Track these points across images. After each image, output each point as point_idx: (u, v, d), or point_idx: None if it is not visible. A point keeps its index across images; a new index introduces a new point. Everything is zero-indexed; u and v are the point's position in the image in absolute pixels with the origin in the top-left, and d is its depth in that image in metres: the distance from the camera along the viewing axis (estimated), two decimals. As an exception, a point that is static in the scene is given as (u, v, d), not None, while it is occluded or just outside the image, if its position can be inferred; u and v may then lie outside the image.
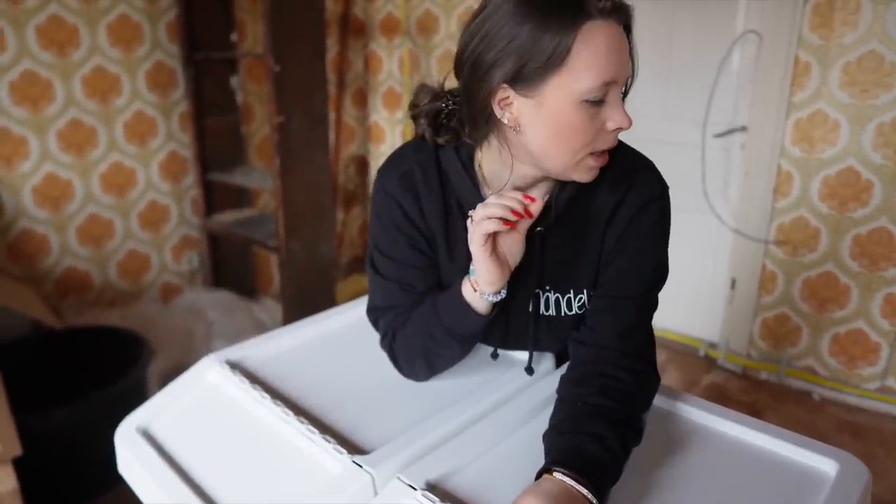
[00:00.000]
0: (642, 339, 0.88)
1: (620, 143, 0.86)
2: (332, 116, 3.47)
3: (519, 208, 0.76)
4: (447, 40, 3.28)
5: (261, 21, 2.93)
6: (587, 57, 0.72)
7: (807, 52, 2.34)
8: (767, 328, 2.66)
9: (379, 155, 3.80)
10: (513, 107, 0.78)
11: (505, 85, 0.76)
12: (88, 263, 2.73)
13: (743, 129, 2.60)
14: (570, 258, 0.90)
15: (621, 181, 0.87)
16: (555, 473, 0.69)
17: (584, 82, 0.73)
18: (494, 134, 0.84)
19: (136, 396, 1.98)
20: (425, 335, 0.89)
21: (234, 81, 3.01)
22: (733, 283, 2.72)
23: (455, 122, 0.87)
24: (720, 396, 2.56)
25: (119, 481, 0.93)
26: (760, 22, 2.46)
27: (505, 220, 0.76)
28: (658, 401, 0.89)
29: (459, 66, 0.81)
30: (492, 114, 0.80)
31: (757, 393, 2.59)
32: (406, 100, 3.55)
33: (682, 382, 2.66)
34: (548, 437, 0.77)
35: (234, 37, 2.96)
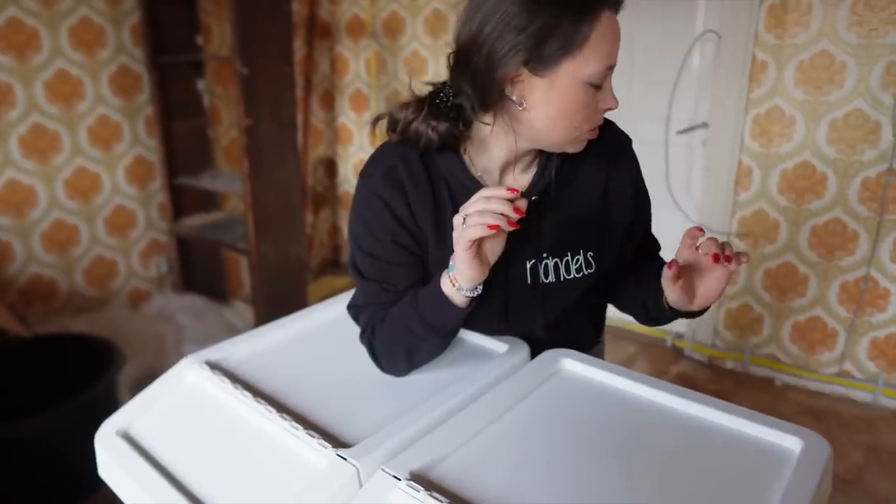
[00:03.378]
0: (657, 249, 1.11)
1: None
2: (299, 119, 3.46)
3: (509, 212, 0.77)
4: (413, 41, 3.30)
5: (226, 23, 2.91)
6: (601, 44, 0.80)
7: (763, 50, 2.42)
8: (731, 318, 2.74)
9: (347, 156, 3.80)
10: (523, 85, 0.83)
11: (521, 67, 0.81)
12: (54, 270, 2.68)
13: (704, 125, 2.68)
14: (566, 224, 0.96)
15: (602, 152, 0.97)
16: None
17: (593, 67, 0.81)
18: (498, 118, 0.88)
19: (108, 403, 1.96)
20: (405, 329, 0.91)
21: (201, 85, 2.98)
22: (698, 276, 2.79)
23: (450, 110, 0.89)
24: (688, 386, 2.60)
25: (97, 488, 0.93)
26: (719, 22, 2.53)
27: (491, 225, 0.77)
28: (629, 386, 0.92)
29: (471, 50, 0.83)
30: (502, 92, 0.84)
31: (723, 381, 2.67)
32: (374, 101, 3.56)
33: (651, 373, 2.71)
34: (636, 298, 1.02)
35: (199, 39, 2.94)
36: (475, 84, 0.85)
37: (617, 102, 0.87)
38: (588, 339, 1.12)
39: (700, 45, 2.63)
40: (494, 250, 0.84)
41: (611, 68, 0.83)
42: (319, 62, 3.62)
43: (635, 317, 1.08)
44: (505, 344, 1.03)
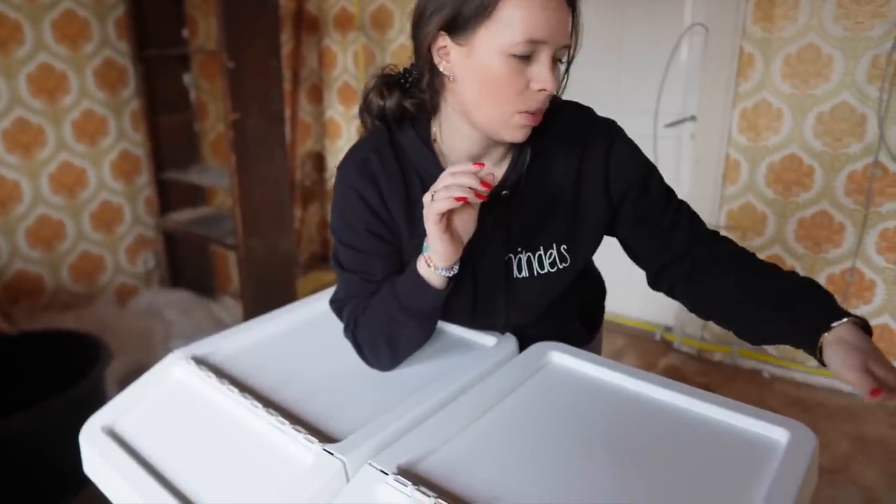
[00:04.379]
0: (698, 224, 0.99)
1: (565, 102, 0.95)
2: (287, 113, 3.45)
3: (475, 184, 0.77)
4: (402, 35, 3.29)
5: (213, 17, 2.89)
6: (513, 11, 0.77)
7: (750, 44, 2.42)
8: (719, 311, 2.75)
9: (336, 150, 3.78)
10: (450, 55, 0.84)
11: (443, 33, 0.82)
12: (40, 266, 2.66)
13: (692, 118, 2.69)
14: (538, 218, 0.95)
15: (573, 141, 0.94)
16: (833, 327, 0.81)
17: (508, 35, 0.78)
18: (443, 97, 0.89)
19: (96, 399, 1.94)
20: (385, 317, 0.91)
21: (187, 78, 2.96)
22: (686, 269, 2.81)
23: (415, 89, 0.92)
24: (677, 378, 2.62)
25: (84, 486, 0.92)
26: (707, 15, 2.54)
27: (458, 197, 0.78)
28: (618, 379, 0.92)
29: (413, 22, 0.87)
30: (434, 65, 0.85)
31: (711, 373, 2.69)
32: (362, 95, 3.54)
33: (640, 366, 2.72)
34: (767, 320, 0.89)
35: (185, 33, 2.91)
36: (415, 55, 0.88)
37: (553, 84, 0.81)
38: (577, 339, 1.09)
39: (688, 38, 2.63)
40: (466, 226, 0.84)
41: (537, 42, 0.79)
42: (307, 56, 3.60)
43: (739, 334, 0.96)
44: (493, 337, 1.03)
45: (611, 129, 0.97)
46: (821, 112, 2.35)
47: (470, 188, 0.77)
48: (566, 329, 1.09)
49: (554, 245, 0.97)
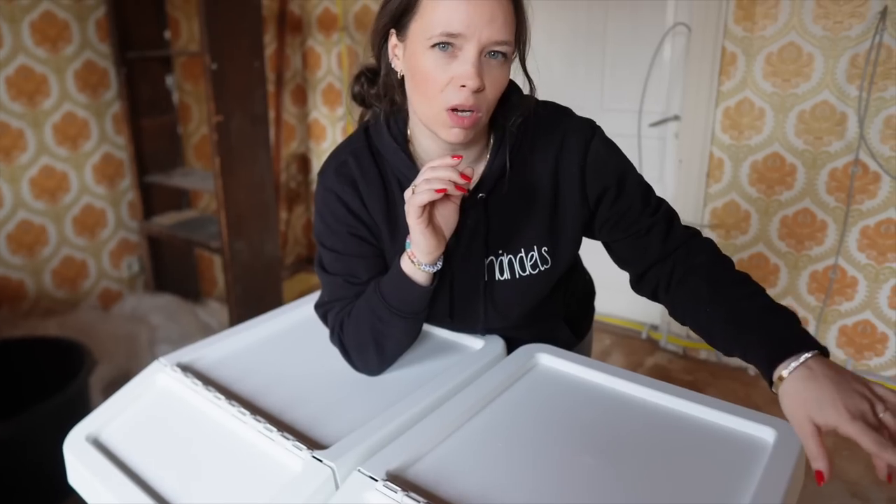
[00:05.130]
0: (676, 227, 0.96)
1: (544, 103, 0.95)
2: (271, 115, 3.43)
3: (455, 177, 0.78)
4: (386, 35, 3.28)
5: (195, 18, 2.87)
6: (431, 6, 0.79)
7: (732, 43, 2.44)
8: (705, 309, 2.77)
9: (320, 152, 3.77)
10: (399, 53, 0.87)
11: (392, 31, 0.86)
12: (21, 272, 2.62)
13: (676, 118, 2.70)
14: (517, 220, 0.95)
15: (550, 141, 0.93)
16: (802, 359, 0.73)
17: (428, 29, 0.79)
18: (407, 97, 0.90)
19: (80, 407, 1.92)
20: (371, 318, 0.91)
21: (170, 81, 2.93)
22: (672, 267, 2.82)
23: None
24: (663, 376, 2.66)
25: (69, 495, 0.91)
26: (689, 14, 2.55)
27: (438, 189, 0.78)
28: (605, 380, 0.92)
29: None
30: (389, 63, 0.89)
31: (697, 372, 2.71)
32: (346, 96, 3.52)
33: (627, 365, 2.75)
34: (734, 342, 0.83)
35: (167, 35, 2.88)
36: (376, 54, 0.92)
37: (471, 78, 0.79)
38: (563, 341, 1.09)
39: (671, 37, 2.65)
40: (448, 220, 0.84)
41: (456, 36, 0.78)
42: (291, 57, 3.58)
43: (713, 346, 0.92)
44: (481, 340, 1.03)
45: (588, 129, 0.95)
46: (802, 111, 2.37)
47: (450, 181, 0.78)
48: (552, 332, 1.09)
49: (535, 247, 0.96)
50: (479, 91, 0.80)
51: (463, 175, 0.78)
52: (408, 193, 0.81)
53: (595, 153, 0.94)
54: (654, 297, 0.99)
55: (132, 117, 2.78)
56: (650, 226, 0.95)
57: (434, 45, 0.79)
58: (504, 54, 0.81)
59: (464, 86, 0.79)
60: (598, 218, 0.97)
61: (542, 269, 0.97)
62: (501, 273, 0.96)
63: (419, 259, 0.85)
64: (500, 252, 0.96)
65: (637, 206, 0.95)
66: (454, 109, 0.81)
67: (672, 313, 0.95)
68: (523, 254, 0.96)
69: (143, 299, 2.88)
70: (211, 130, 2.42)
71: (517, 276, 0.96)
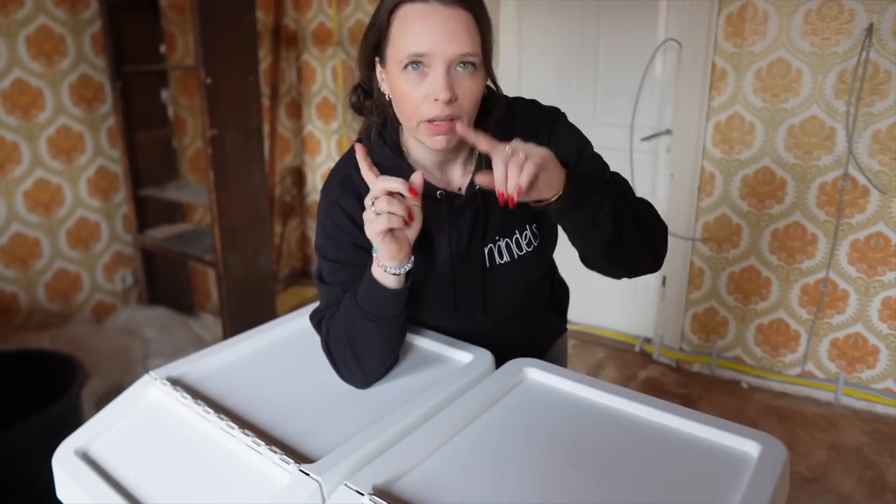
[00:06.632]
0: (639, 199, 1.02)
1: (514, 99, 1.03)
2: (266, 128, 3.44)
3: (403, 213, 0.83)
4: (381, 50, 3.30)
5: (190, 33, 2.89)
6: (398, 32, 0.87)
7: (722, 58, 2.47)
8: (697, 322, 2.79)
9: (315, 166, 3.78)
10: (384, 77, 0.93)
11: (377, 58, 0.93)
12: (14, 285, 2.62)
13: (668, 132, 2.73)
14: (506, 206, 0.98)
15: (527, 127, 1.00)
16: None
17: (398, 54, 0.87)
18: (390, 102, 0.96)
19: (72, 420, 1.92)
20: (347, 322, 0.93)
21: (165, 94, 2.95)
22: (664, 281, 2.84)
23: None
24: (657, 389, 2.66)
25: (59, 508, 0.91)
26: (679, 31, 2.58)
27: (390, 227, 0.84)
28: (592, 394, 0.93)
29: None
30: (380, 89, 0.95)
31: (691, 384, 2.71)
32: (341, 110, 3.55)
33: (621, 378, 2.76)
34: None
35: (163, 49, 2.90)
36: (364, 75, 0.99)
37: (441, 91, 0.85)
38: (554, 328, 1.19)
39: (662, 53, 2.68)
40: (412, 227, 0.88)
41: (423, 55, 0.84)
42: (286, 71, 3.60)
43: (587, 262, 1.02)
44: (469, 353, 1.04)
45: (554, 115, 1.04)
46: (791, 125, 2.40)
47: (400, 216, 0.83)
48: (543, 318, 1.17)
49: (526, 226, 1.03)
50: (451, 101, 0.86)
51: (412, 190, 0.83)
52: (367, 215, 0.85)
53: (560, 130, 1.03)
54: (595, 264, 1.04)
55: (127, 131, 2.79)
56: None
57: (405, 67, 0.86)
58: (473, 64, 0.87)
59: (437, 99, 0.85)
60: None
61: (536, 244, 1.04)
62: (501, 257, 1.02)
63: (384, 263, 0.88)
64: (497, 238, 1.01)
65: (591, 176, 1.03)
66: (431, 121, 0.87)
67: (596, 266, 1.02)
68: (518, 234, 1.02)
69: (136, 312, 2.88)
70: (205, 144, 2.43)
71: (515, 256, 1.03)
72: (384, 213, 0.83)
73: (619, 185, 1.00)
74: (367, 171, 0.88)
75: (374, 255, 0.89)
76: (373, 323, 0.91)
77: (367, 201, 0.85)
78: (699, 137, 2.59)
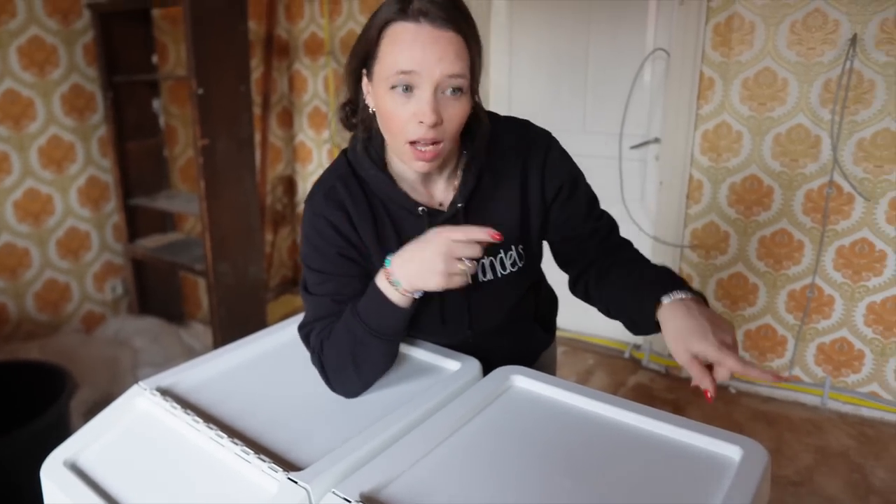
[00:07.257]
0: (615, 235, 1.11)
1: (505, 118, 1.05)
2: (258, 137, 3.45)
3: (486, 239, 0.85)
4: (372, 59, 3.32)
5: (182, 43, 2.90)
6: (387, 47, 0.87)
7: (710, 68, 2.50)
8: (687, 328, 2.80)
9: (306, 175, 3.79)
10: (370, 92, 0.93)
11: (364, 72, 0.93)
12: (3, 296, 2.61)
13: (656, 140, 2.75)
14: (494, 225, 0.99)
15: (517, 149, 1.03)
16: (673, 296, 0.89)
17: (386, 70, 0.87)
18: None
19: (60, 431, 1.91)
20: (349, 337, 0.93)
21: (157, 104, 2.95)
22: (654, 287, 2.85)
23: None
24: (646, 396, 2.67)
25: (48, 518, 0.91)
26: (668, 40, 2.61)
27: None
28: (578, 401, 0.94)
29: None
30: (364, 102, 0.96)
31: (679, 390, 2.72)
32: (333, 120, 3.56)
33: (611, 384, 2.77)
34: (625, 297, 0.98)
35: (154, 59, 2.91)
36: (351, 90, 0.98)
37: (428, 115, 0.85)
38: (539, 341, 1.20)
39: (651, 62, 2.71)
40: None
41: (409, 73, 0.84)
42: (278, 80, 3.61)
43: (626, 326, 1.05)
44: (457, 361, 1.05)
45: (546, 138, 1.06)
46: (778, 134, 2.43)
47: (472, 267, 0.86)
48: (528, 331, 1.18)
49: (512, 246, 1.05)
50: (437, 125, 0.86)
51: (493, 235, 0.85)
52: (451, 260, 0.85)
53: (553, 156, 1.05)
54: (587, 297, 1.10)
55: (118, 140, 2.79)
56: (593, 231, 1.08)
57: (393, 87, 0.86)
58: (460, 89, 0.87)
59: (422, 122, 0.86)
60: (550, 219, 1.07)
61: (521, 265, 1.05)
62: (485, 274, 1.04)
63: (395, 279, 0.88)
64: (482, 256, 1.00)
65: (584, 211, 1.08)
66: (414, 143, 0.88)
67: (602, 309, 1.07)
68: (503, 254, 1.04)
69: (126, 322, 2.87)
70: (196, 154, 2.44)
71: (499, 275, 1.04)
72: (473, 261, 0.85)
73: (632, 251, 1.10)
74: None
75: (386, 266, 0.89)
76: (378, 339, 0.92)
77: (450, 247, 0.84)
78: (687, 145, 2.62)
